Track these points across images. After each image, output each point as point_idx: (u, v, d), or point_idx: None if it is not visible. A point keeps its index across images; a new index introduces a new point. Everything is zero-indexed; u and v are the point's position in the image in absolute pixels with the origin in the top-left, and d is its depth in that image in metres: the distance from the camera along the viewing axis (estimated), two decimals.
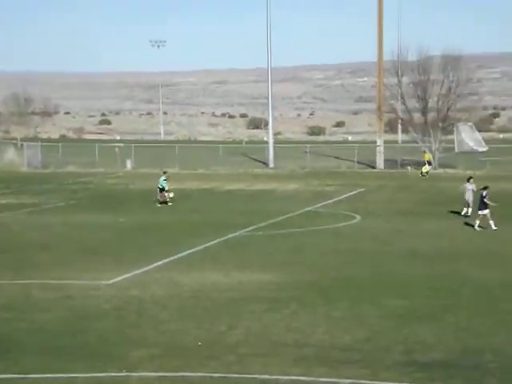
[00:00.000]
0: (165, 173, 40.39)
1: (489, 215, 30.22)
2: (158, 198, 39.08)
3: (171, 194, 39.11)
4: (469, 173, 58.80)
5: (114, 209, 38.23)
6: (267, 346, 15.10)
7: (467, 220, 32.29)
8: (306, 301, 18.65)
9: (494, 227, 30.08)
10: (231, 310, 17.83)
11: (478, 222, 30.37)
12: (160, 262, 23.86)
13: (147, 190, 48.97)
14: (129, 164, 66.20)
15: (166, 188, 39.07)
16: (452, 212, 35.44)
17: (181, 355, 14.50)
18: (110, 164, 64.54)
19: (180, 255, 25.16)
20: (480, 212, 30.49)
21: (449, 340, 15.32)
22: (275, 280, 21.13)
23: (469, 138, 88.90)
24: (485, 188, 30.97)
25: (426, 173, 58.34)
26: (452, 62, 65.64)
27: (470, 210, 33.11)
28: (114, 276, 21.67)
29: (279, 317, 17.22)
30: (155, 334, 15.94)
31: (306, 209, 37.77)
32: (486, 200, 30.36)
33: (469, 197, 33.65)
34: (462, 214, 33.59)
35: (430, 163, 60.61)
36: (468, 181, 34.16)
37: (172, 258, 24.59)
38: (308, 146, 71.51)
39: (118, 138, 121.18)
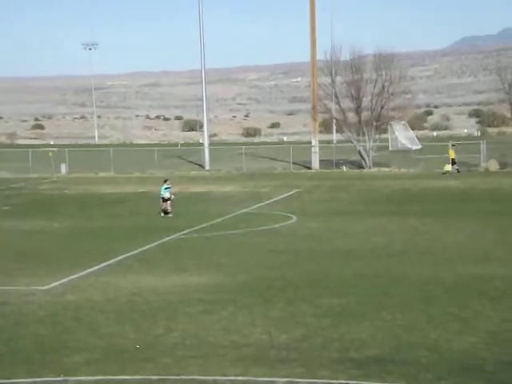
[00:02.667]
0: (166, 181, 36.70)
1: None
2: (162, 207, 35.80)
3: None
4: (403, 171, 60.11)
5: (49, 214, 37.72)
6: (205, 347, 15.12)
7: None
8: (242, 302, 18.72)
9: None
10: (168, 313, 17.79)
11: None
12: (96, 267, 23.65)
13: (82, 194, 48.50)
14: (63, 169, 65.40)
15: (172, 197, 35.92)
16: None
17: (118, 359, 14.43)
18: (43, 169, 63.61)
19: (116, 259, 24.98)
20: None
21: (384, 337, 15.56)
22: (212, 282, 21.16)
23: (402, 136, 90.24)
24: None
25: (447, 171, 55.37)
26: (385, 60, 66.31)
27: None
28: (49, 282, 21.41)
29: (216, 318, 17.25)
30: (92, 339, 15.82)
31: (243, 210, 37.85)
32: None
33: None
34: None
35: (454, 162, 56.78)
36: None
37: (108, 263, 24.39)
38: (243, 147, 71.73)
39: (52, 142, 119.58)
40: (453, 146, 58.92)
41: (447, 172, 55.65)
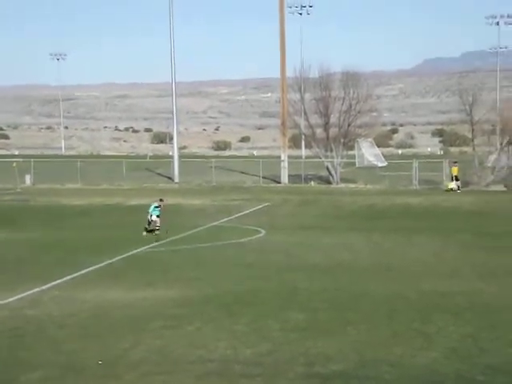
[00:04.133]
0: (161, 200, 34.80)
1: None
2: (152, 226, 33.60)
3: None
4: (369, 187, 60.48)
5: (12, 225, 37.22)
6: (170, 363, 14.93)
7: None
8: (209, 316, 18.56)
9: None
10: (133, 328, 17.55)
11: None
12: (59, 280, 23.27)
13: (48, 206, 48.01)
14: (28, 179, 64.79)
15: (154, 219, 33.49)
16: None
17: (79, 375, 14.16)
18: (7, 180, 62.94)
19: (81, 273, 24.65)
20: None
21: (349, 352, 15.51)
22: (178, 296, 20.97)
23: (369, 153, 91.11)
24: None
25: (451, 189, 55.94)
26: (352, 79, 67.14)
27: None
28: (8, 295, 20.91)
29: (182, 333, 17.08)
30: (52, 355, 15.48)
31: (212, 224, 37.73)
32: None
33: None
34: None
35: (457, 179, 57.45)
36: None
37: (72, 276, 24.04)
38: (213, 160, 71.75)
39: (17, 152, 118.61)
40: (454, 163, 59.41)
41: (451, 189, 56.13)
